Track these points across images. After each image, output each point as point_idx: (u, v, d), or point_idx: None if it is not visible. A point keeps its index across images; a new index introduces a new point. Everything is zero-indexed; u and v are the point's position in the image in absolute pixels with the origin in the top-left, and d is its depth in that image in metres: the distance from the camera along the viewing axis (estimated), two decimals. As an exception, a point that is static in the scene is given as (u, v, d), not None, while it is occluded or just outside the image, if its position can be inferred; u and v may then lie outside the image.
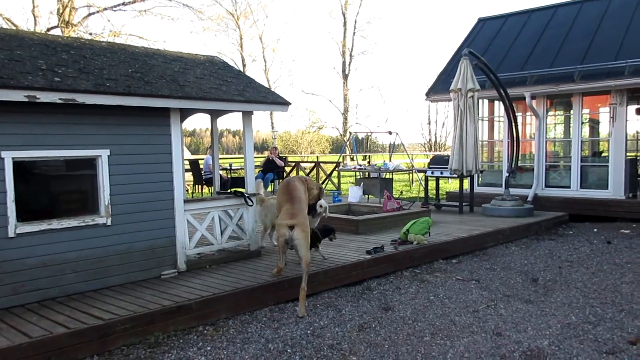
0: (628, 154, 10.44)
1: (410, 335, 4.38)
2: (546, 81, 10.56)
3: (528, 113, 11.77)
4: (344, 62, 40.69)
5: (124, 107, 5.03)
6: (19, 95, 4.30)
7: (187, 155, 22.70)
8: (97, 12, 22.87)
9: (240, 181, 12.54)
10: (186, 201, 5.73)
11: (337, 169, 15.78)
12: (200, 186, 14.50)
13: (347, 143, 23.56)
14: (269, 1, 50.93)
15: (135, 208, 5.24)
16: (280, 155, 16.14)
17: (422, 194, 13.08)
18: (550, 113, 11.72)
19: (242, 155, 6.69)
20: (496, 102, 12.04)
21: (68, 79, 4.71)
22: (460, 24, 70.98)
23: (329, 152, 43.08)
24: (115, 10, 23.71)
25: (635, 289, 5.64)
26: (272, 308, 5.07)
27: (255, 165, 11.58)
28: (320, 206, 6.32)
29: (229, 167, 15.34)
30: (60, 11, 21.69)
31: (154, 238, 5.40)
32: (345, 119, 40.41)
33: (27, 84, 4.34)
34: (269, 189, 14.53)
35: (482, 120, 12.29)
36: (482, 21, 13.86)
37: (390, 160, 15.66)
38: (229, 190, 6.77)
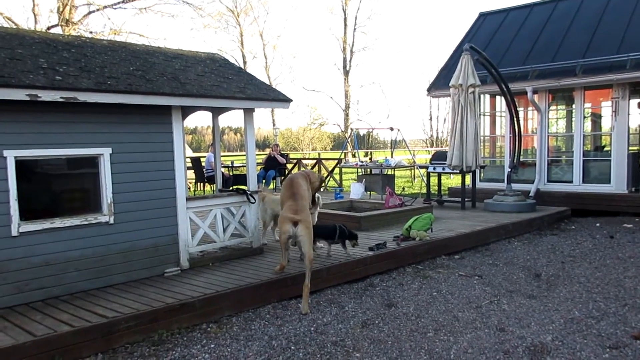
0: (630, 148, 10.40)
1: (414, 332, 4.38)
2: (548, 75, 10.52)
3: (530, 108, 11.75)
4: (344, 59, 40.67)
5: (126, 105, 5.03)
6: (20, 94, 4.30)
7: (189, 153, 22.71)
8: (97, 10, 22.88)
9: (242, 178, 12.55)
10: (188, 199, 5.73)
11: (338, 165, 15.77)
12: (202, 184, 14.52)
13: (349, 139, 23.54)
14: (269, -2, 50.79)
15: (137, 206, 5.24)
16: (282, 152, 16.13)
17: (424, 190, 13.07)
18: (552, 108, 11.69)
19: (243, 153, 6.69)
20: (498, 97, 12.01)
21: (69, 78, 4.70)
22: (461, 19, 70.82)
23: (331, 149, 43.06)
24: (115, 8, 23.73)
25: (639, 284, 5.63)
26: (275, 305, 5.08)
27: (257, 163, 11.58)
28: (318, 198, 6.56)
29: (230, 165, 15.34)
30: (61, 10, 21.68)
31: (156, 236, 5.40)
32: (347, 115, 40.41)
33: (28, 83, 4.34)
34: (271, 186, 14.54)
35: (484, 115, 12.26)
36: (483, 16, 13.81)
37: (391, 157, 15.65)
38: (231, 188, 6.78)
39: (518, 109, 10.36)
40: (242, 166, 14.90)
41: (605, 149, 11.01)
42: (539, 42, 11.61)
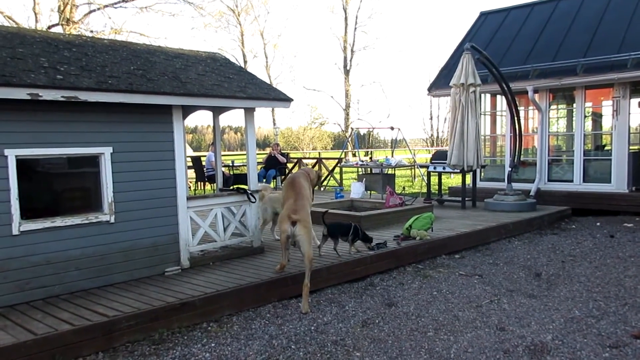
0: (631, 147, 10.40)
1: (414, 331, 4.39)
2: (549, 75, 10.52)
3: (530, 107, 11.74)
4: (345, 58, 40.67)
5: (127, 105, 5.03)
6: (21, 93, 4.30)
7: (189, 152, 22.74)
8: (98, 9, 22.89)
9: (242, 178, 12.56)
10: (189, 198, 5.73)
11: (339, 165, 15.77)
12: (202, 183, 14.52)
13: (349, 139, 23.54)
14: (270, -3, 50.77)
15: (138, 205, 5.25)
16: (282, 151, 16.14)
17: (424, 190, 13.06)
18: (553, 107, 11.68)
19: (244, 152, 6.69)
20: (498, 97, 12.01)
21: (70, 77, 4.71)
22: (462, 18, 70.80)
23: (331, 148, 43.04)
24: (116, 8, 23.75)
25: (639, 283, 5.63)
26: (276, 304, 5.08)
27: (258, 162, 11.59)
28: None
29: (231, 164, 15.35)
30: (61, 9, 21.69)
31: (157, 235, 5.41)
32: (347, 114, 40.41)
33: (29, 82, 4.35)
34: (272, 185, 14.54)
35: (485, 114, 12.25)
36: (484, 15, 13.80)
37: (392, 156, 15.65)
38: (231, 187, 6.78)
39: (519, 108, 10.35)
40: (243, 165, 14.91)
41: (606, 148, 11.01)
42: (539, 41, 11.61)
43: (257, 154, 7.46)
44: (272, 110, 36.99)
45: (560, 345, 4.01)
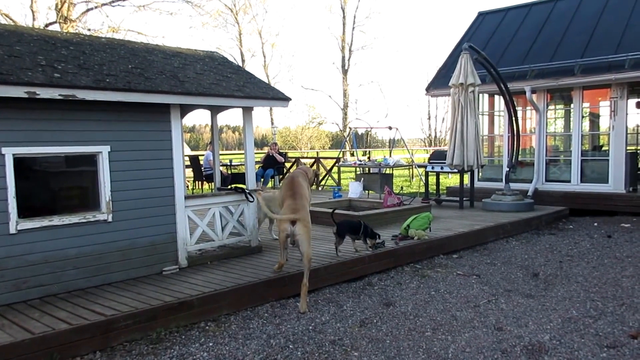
0: (628, 147, 10.44)
1: (412, 331, 4.39)
2: (546, 75, 10.53)
3: (528, 107, 11.76)
4: (343, 57, 40.64)
5: (124, 103, 5.01)
6: (19, 92, 4.28)
7: (187, 151, 22.68)
8: (96, 7, 22.84)
9: (240, 177, 12.54)
10: (187, 197, 5.72)
11: (337, 164, 15.77)
12: (200, 182, 14.51)
13: (347, 138, 23.55)
14: (268, -4, 50.74)
15: (136, 204, 5.23)
16: (280, 151, 16.13)
17: (422, 189, 13.09)
18: (551, 107, 11.71)
19: (242, 151, 6.68)
20: (496, 97, 12.02)
21: (68, 75, 4.69)
22: (460, 18, 70.85)
23: (329, 148, 43.08)
24: (113, 6, 23.66)
25: (636, 283, 5.65)
26: (274, 304, 5.08)
27: (256, 161, 11.57)
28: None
29: (229, 163, 15.34)
30: (59, 7, 21.63)
31: (155, 234, 5.39)
32: (345, 114, 40.39)
33: (27, 80, 4.33)
34: (269, 184, 14.54)
35: (483, 114, 12.27)
36: (482, 15, 13.82)
37: (390, 156, 15.66)
38: (229, 186, 6.77)
39: (516, 108, 10.36)
40: (241, 165, 14.90)
41: (604, 148, 11.03)
42: (537, 41, 11.63)
43: (255, 153, 7.44)
44: (270, 109, 36.98)
45: (558, 345, 4.01)
